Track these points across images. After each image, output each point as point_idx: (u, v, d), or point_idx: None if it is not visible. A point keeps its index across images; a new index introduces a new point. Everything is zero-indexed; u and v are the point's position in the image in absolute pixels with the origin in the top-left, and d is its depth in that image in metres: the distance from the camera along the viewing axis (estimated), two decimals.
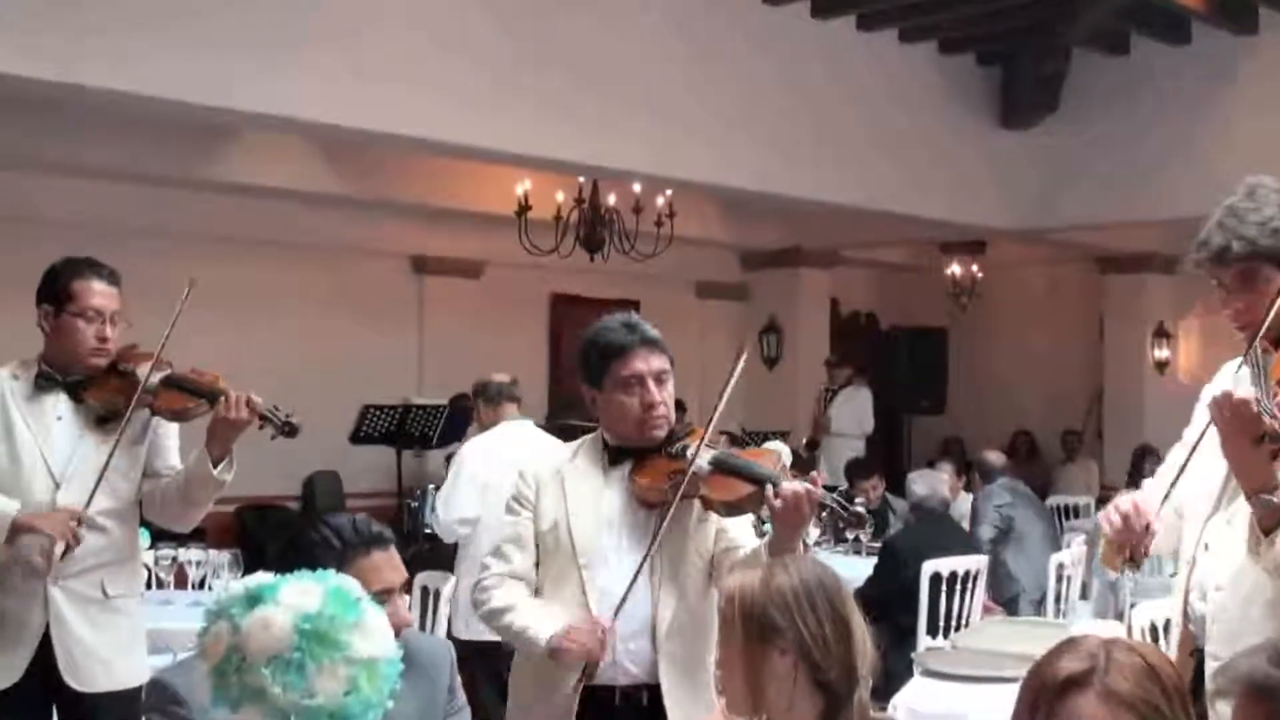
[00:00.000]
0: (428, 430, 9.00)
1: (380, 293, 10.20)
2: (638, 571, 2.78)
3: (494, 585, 2.98)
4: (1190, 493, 2.61)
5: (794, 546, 2.73)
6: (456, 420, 8.80)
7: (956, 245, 11.88)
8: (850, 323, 12.96)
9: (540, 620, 2.87)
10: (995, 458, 7.76)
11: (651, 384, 2.91)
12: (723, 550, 2.89)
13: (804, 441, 10.08)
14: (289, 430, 3.44)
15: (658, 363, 2.94)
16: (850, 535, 6.55)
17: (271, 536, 8.69)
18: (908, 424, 12.48)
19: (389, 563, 2.33)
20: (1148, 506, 2.54)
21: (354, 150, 8.30)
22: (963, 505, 7.59)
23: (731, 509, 2.84)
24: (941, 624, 5.74)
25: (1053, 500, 9.92)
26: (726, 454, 2.89)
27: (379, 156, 8.48)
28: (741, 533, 2.92)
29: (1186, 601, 2.60)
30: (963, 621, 5.76)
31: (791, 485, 2.71)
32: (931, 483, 6.41)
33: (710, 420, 2.88)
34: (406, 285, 10.38)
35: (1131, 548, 2.48)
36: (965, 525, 7.04)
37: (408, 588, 2.51)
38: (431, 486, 7.57)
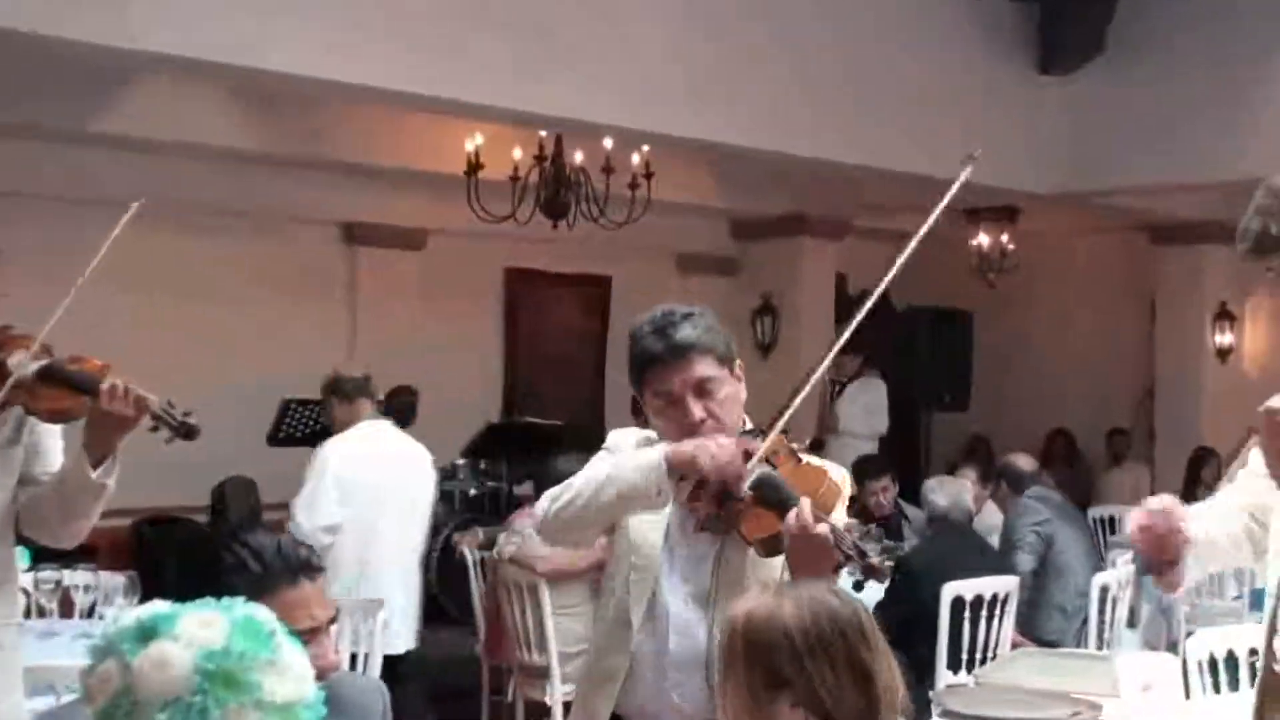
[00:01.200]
0: None
1: (304, 267, 10.13)
2: None
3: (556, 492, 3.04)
4: (1274, 508, 2.61)
5: None
6: (395, 418, 8.38)
7: (985, 212, 11.66)
8: (860, 303, 12.28)
9: (632, 458, 2.92)
10: (1026, 462, 7.66)
11: (690, 401, 2.92)
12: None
13: (806, 443, 9.18)
14: (186, 432, 3.39)
15: (699, 370, 2.93)
16: (863, 579, 6.48)
17: (175, 555, 8.62)
18: (926, 421, 12.29)
19: (318, 596, 2.32)
20: (1179, 508, 2.54)
21: (274, 99, 8.23)
22: (990, 517, 7.55)
23: (769, 548, 2.81)
24: (964, 656, 5.72)
25: (1095, 512, 9.90)
26: (768, 475, 2.85)
27: (304, 106, 8.41)
28: None
29: (1273, 640, 2.60)
30: (989, 654, 5.76)
31: (799, 516, 2.68)
32: (953, 491, 6.44)
33: (769, 431, 2.85)
34: (335, 258, 10.32)
35: (1157, 560, 2.52)
36: (993, 541, 7.04)
37: (333, 619, 2.43)
38: None
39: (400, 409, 8.23)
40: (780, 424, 2.83)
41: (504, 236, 9.04)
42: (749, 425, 2.96)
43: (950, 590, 5.72)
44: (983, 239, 12.21)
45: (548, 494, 3.04)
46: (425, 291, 10.49)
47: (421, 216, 10.23)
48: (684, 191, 10.08)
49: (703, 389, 2.92)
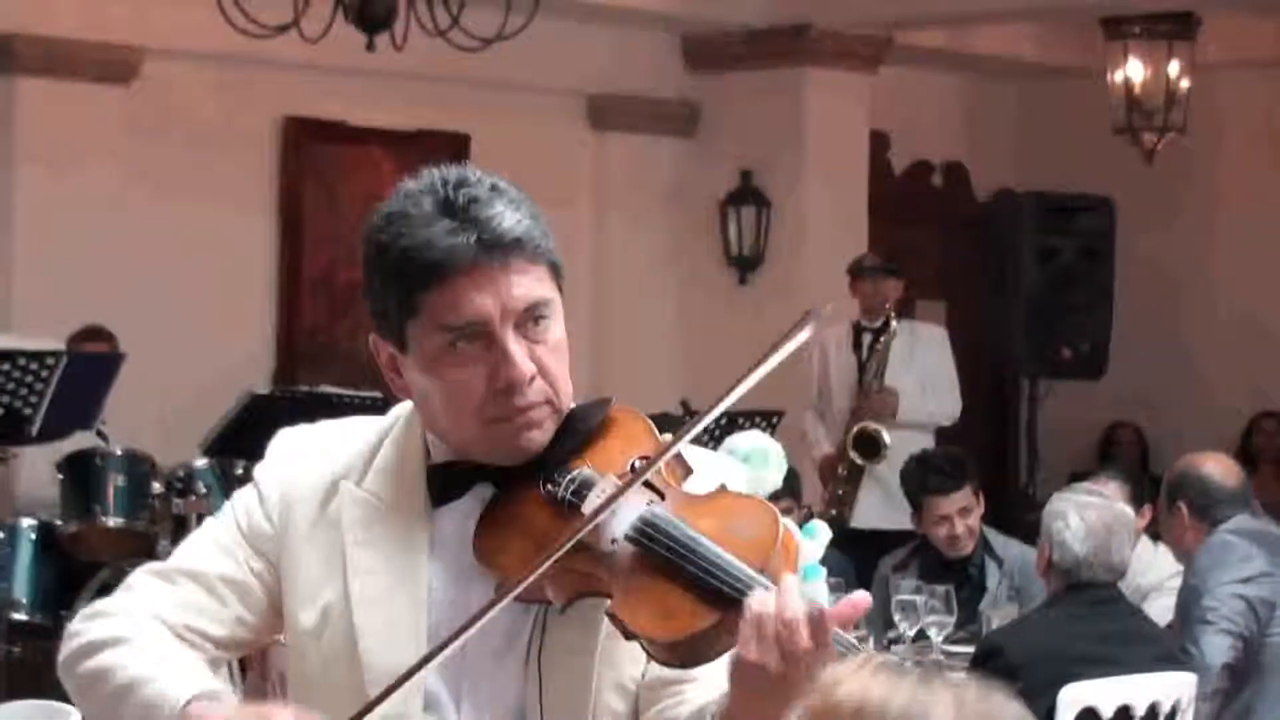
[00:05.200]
0: (20, 402, 8.84)
1: None
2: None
3: (106, 611, 2.74)
4: None
5: None
6: (85, 381, 8.91)
7: (1136, 25, 10.98)
8: (913, 184, 12.26)
9: (174, 672, 2.72)
10: (1220, 471, 7.01)
11: (511, 340, 2.54)
12: (657, 684, 2.67)
13: (848, 435, 9.56)
14: None
15: (524, 286, 2.58)
16: (910, 630, 6.59)
17: None
18: (1030, 395, 11.35)
19: None
20: None
21: None
22: (1146, 567, 7.16)
23: (671, 652, 2.58)
24: None
25: None
26: (666, 516, 2.50)
27: None
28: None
29: None
30: None
31: (765, 601, 2.44)
32: (1100, 524, 6.04)
33: (676, 439, 2.62)
34: None
35: None
36: (1156, 609, 6.67)
37: None
38: (28, 524, 8.18)
39: (97, 365, 8.83)
40: (679, 443, 2.65)
41: (278, 62, 9.25)
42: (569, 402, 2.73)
43: (1076, 698, 5.62)
44: (1134, 70, 11.15)
45: (83, 613, 2.85)
46: (136, 155, 9.94)
47: (128, 25, 9.79)
48: None
49: (531, 317, 2.58)
